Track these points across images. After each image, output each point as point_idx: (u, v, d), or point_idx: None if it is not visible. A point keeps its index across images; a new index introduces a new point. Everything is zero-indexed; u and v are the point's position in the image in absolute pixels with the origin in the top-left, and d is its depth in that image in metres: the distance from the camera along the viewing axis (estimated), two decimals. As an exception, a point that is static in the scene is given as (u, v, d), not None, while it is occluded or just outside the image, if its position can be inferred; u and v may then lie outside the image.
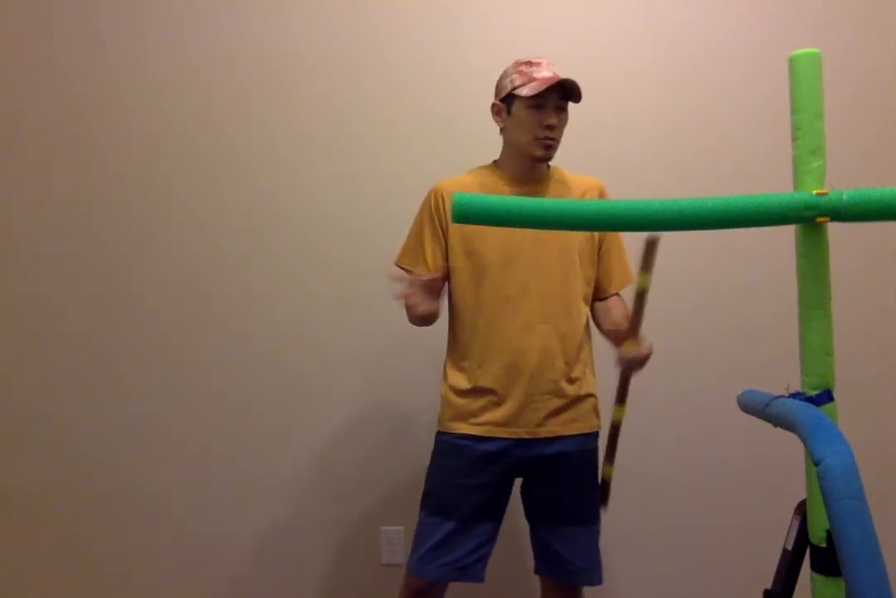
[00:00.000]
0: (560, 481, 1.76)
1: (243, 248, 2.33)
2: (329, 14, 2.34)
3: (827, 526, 1.15)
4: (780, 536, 1.30)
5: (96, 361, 2.30)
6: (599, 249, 1.82)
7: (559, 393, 1.75)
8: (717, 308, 2.38)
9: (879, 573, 0.88)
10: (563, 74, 1.68)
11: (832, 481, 0.91)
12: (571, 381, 1.76)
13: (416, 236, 1.81)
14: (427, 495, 1.78)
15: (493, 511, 1.75)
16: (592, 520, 1.79)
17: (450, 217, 1.73)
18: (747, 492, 2.35)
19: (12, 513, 2.27)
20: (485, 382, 1.74)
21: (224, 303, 2.32)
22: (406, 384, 2.30)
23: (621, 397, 1.67)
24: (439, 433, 1.80)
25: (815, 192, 1.12)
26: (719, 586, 2.33)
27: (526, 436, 1.73)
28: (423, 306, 1.69)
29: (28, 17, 2.31)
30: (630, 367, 1.67)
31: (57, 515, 2.28)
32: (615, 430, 1.69)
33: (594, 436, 1.81)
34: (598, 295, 1.85)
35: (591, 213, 1.14)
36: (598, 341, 1.87)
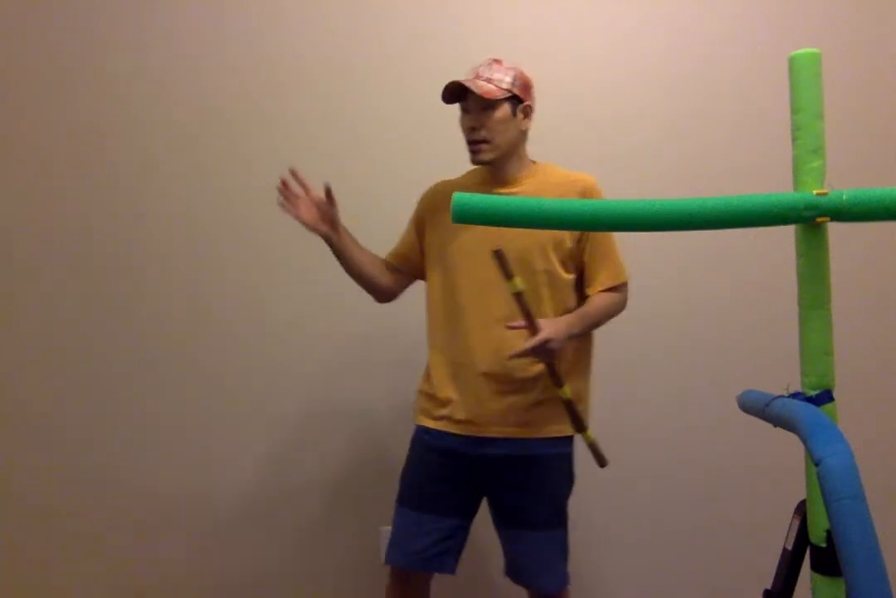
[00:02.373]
0: (518, 484, 1.74)
1: (243, 247, 2.33)
2: (328, 14, 2.34)
3: (827, 526, 1.15)
4: (780, 536, 1.30)
5: (95, 360, 2.30)
6: (584, 251, 1.79)
7: (517, 394, 1.73)
8: (716, 308, 2.38)
9: (879, 573, 0.88)
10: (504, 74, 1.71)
11: (832, 482, 0.91)
12: (534, 382, 1.74)
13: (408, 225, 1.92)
14: (399, 485, 1.86)
15: (454, 507, 1.77)
16: (552, 525, 1.76)
17: (430, 215, 1.82)
18: (747, 492, 2.35)
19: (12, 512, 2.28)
20: (443, 380, 1.78)
21: (225, 303, 2.32)
22: (405, 384, 2.30)
23: (557, 382, 1.69)
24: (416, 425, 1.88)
25: (815, 192, 1.12)
26: (719, 586, 2.33)
27: (480, 435, 1.73)
28: (305, 221, 1.73)
29: (29, 17, 2.31)
30: (537, 356, 1.66)
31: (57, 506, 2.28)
32: (568, 405, 1.71)
33: (561, 440, 1.77)
34: (584, 293, 1.83)
35: (591, 213, 1.14)
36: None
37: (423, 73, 2.31)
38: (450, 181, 1.86)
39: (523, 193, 1.74)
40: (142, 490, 2.29)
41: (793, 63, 1.19)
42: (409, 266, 1.89)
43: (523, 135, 1.79)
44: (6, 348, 2.30)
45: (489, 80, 1.70)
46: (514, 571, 1.79)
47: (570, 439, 1.79)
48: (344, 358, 2.33)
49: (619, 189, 2.28)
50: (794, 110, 1.19)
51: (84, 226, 2.31)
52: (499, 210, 1.16)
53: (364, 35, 2.34)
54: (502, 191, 1.75)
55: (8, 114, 2.31)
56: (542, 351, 1.63)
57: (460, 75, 1.77)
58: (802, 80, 1.18)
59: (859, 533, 0.89)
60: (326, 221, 1.75)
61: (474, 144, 1.72)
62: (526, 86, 1.76)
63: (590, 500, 2.35)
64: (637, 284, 2.36)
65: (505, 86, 1.70)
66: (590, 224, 1.17)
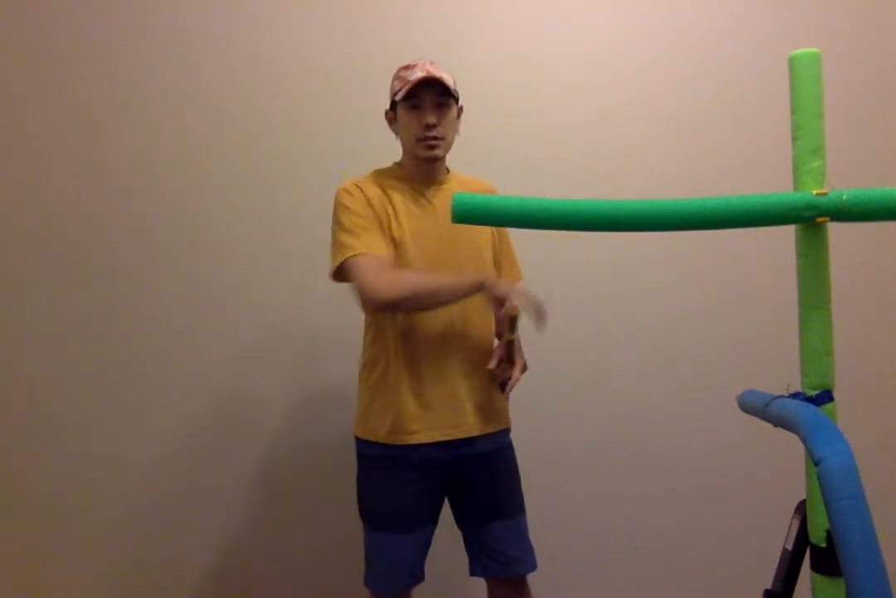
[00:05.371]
0: (488, 479, 1.76)
1: (242, 246, 2.33)
2: (328, 14, 2.34)
3: (827, 526, 1.15)
4: (780, 536, 1.30)
5: (95, 359, 2.30)
6: (500, 251, 1.85)
7: (474, 391, 1.74)
8: (716, 308, 2.38)
9: (879, 573, 0.88)
10: (445, 73, 1.70)
11: (832, 482, 0.91)
12: (492, 375, 1.76)
13: (362, 228, 1.68)
14: (367, 511, 1.85)
15: (429, 517, 1.77)
16: (518, 512, 1.79)
17: (389, 209, 1.71)
18: (747, 492, 2.35)
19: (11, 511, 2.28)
20: (410, 389, 1.73)
21: (227, 304, 2.32)
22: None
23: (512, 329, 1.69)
24: None
25: (815, 192, 1.12)
26: (719, 586, 2.33)
27: (456, 438, 1.72)
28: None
29: (29, 16, 2.31)
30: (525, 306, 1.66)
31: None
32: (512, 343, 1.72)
33: (508, 430, 1.83)
34: None
35: (591, 213, 1.14)
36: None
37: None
38: (369, 180, 1.75)
39: (449, 194, 1.74)
40: (141, 489, 2.29)
41: (793, 63, 1.19)
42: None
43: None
44: (6, 348, 2.30)
45: (444, 78, 1.70)
46: (496, 563, 1.76)
47: (509, 429, 1.85)
48: (349, 359, 2.33)
49: (620, 189, 2.30)
50: (794, 110, 1.19)
51: (84, 225, 2.30)
52: (499, 210, 1.15)
53: (365, 36, 2.35)
54: (433, 191, 1.76)
55: (9, 114, 2.31)
56: (526, 295, 1.64)
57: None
58: (802, 80, 1.18)
59: (859, 533, 0.89)
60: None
61: (431, 140, 1.69)
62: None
63: (590, 500, 2.35)
64: (637, 284, 2.38)
65: (454, 85, 1.72)
66: (590, 224, 1.17)
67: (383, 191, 1.73)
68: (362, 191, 1.71)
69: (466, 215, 1.16)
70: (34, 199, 2.30)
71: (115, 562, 2.28)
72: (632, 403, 2.36)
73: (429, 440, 1.69)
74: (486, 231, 1.80)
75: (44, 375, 2.28)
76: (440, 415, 1.70)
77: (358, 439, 1.77)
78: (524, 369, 1.74)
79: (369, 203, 1.70)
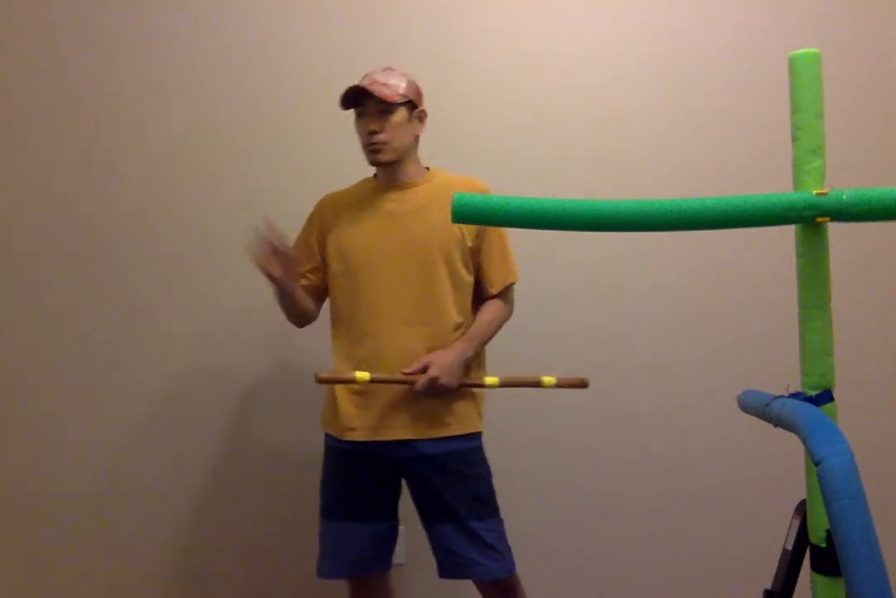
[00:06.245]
0: (440, 483, 1.77)
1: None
2: (328, 13, 2.35)
3: (827, 526, 1.15)
4: (780, 536, 1.30)
5: (95, 358, 2.30)
6: (480, 250, 1.84)
7: (414, 396, 1.75)
8: (716, 308, 2.38)
9: (879, 573, 0.88)
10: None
11: (832, 482, 0.91)
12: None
13: (299, 238, 1.92)
14: (321, 499, 1.92)
15: (375, 511, 1.82)
16: (472, 518, 1.76)
17: (331, 224, 1.85)
18: (747, 492, 2.35)
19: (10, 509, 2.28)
20: (351, 387, 1.80)
21: (227, 303, 2.32)
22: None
23: (476, 387, 1.81)
24: None
25: (815, 192, 1.12)
26: (719, 586, 2.33)
27: (393, 438, 1.76)
28: (279, 282, 1.74)
29: (29, 16, 2.31)
30: (433, 394, 1.74)
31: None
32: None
33: (469, 437, 1.81)
34: (482, 296, 1.87)
35: (591, 213, 1.14)
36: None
37: (424, 71, 2.31)
38: (339, 192, 1.92)
39: (416, 198, 1.81)
40: (142, 491, 2.29)
41: (793, 63, 1.19)
42: (321, 281, 1.90)
43: (417, 140, 1.85)
44: (7, 348, 2.30)
45: (386, 86, 1.77)
46: (450, 564, 1.78)
47: (478, 433, 1.84)
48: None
49: (620, 189, 2.30)
50: (794, 110, 1.19)
51: (84, 225, 2.31)
52: (498, 210, 1.15)
53: (365, 36, 2.35)
54: (395, 195, 1.82)
55: (9, 114, 2.31)
56: (434, 389, 1.71)
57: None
58: (802, 80, 1.18)
59: (859, 533, 0.89)
60: (292, 271, 1.77)
61: (372, 146, 1.78)
62: (418, 92, 1.84)
63: (590, 499, 2.35)
64: (637, 284, 2.38)
65: (402, 91, 1.78)
66: (590, 224, 1.17)
67: (341, 201, 1.88)
68: (321, 205, 1.91)
69: (466, 215, 1.16)
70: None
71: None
72: (631, 403, 2.36)
73: (363, 439, 1.77)
74: (448, 233, 1.79)
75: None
76: (376, 416, 1.76)
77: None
78: (432, 387, 1.72)
79: (316, 218, 1.90)
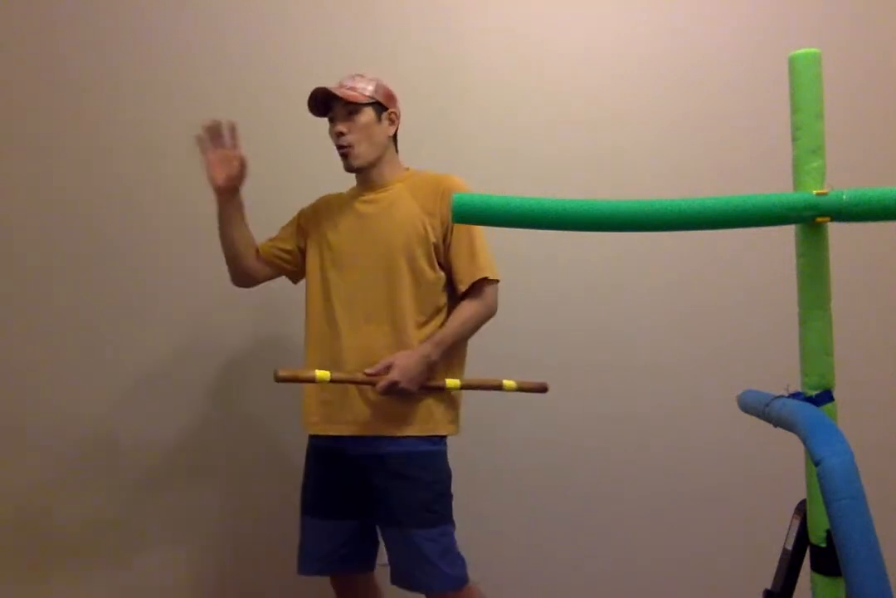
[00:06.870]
0: (387, 485, 1.73)
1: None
2: (328, 13, 2.35)
3: (827, 526, 1.15)
4: (780, 536, 1.30)
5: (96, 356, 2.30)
6: (448, 249, 1.81)
7: (377, 394, 1.73)
8: (717, 308, 2.38)
9: (879, 573, 0.88)
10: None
11: (832, 482, 0.91)
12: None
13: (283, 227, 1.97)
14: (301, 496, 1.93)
15: (347, 511, 1.81)
16: (413, 526, 1.70)
17: (314, 223, 1.89)
18: (747, 492, 2.35)
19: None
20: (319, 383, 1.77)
21: (226, 303, 2.32)
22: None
23: (437, 391, 1.77)
24: None
25: (815, 192, 1.12)
26: (719, 586, 2.33)
27: (346, 433, 1.76)
28: (218, 190, 1.75)
29: (29, 16, 2.31)
30: (394, 396, 1.72)
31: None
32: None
33: (429, 439, 1.76)
34: (458, 294, 1.83)
35: (591, 213, 1.14)
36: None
37: (424, 71, 2.32)
38: (333, 195, 1.94)
39: (389, 197, 1.82)
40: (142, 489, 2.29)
41: (793, 63, 1.19)
42: (277, 259, 1.92)
43: (390, 141, 1.87)
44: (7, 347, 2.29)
45: (352, 89, 1.81)
46: (394, 572, 1.76)
47: (441, 437, 1.79)
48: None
49: (620, 189, 2.30)
50: (794, 110, 1.19)
51: (85, 225, 2.31)
52: (498, 210, 1.16)
53: (364, 36, 2.35)
54: (368, 197, 1.84)
55: (9, 114, 2.31)
56: (395, 392, 1.69)
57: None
58: (802, 80, 1.18)
59: (859, 533, 0.89)
60: (234, 182, 1.77)
61: (342, 149, 1.80)
62: (388, 95, 1.86)
63: (589, 499, 2.35)
64: (637, 284, 2.38)
65: (368, 93, 1.81)
66: (590, 224, 1.17)
67: (331, 204, 1.90)
68: (313, 204, 1.94)
69: (466, 215, 1.16)
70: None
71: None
72: (631, 402, 2.36)
73: (323, 433, 1.79)
74: (411, 230, 1.77)
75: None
76: (334, 410, 1.77)
77: None
78: (391, 389, 1.69)
79: (302, 216, 1.93)
